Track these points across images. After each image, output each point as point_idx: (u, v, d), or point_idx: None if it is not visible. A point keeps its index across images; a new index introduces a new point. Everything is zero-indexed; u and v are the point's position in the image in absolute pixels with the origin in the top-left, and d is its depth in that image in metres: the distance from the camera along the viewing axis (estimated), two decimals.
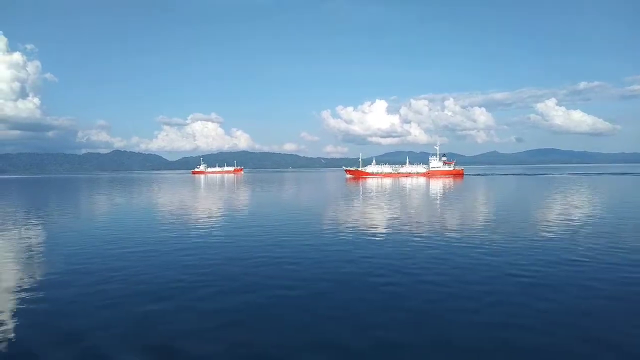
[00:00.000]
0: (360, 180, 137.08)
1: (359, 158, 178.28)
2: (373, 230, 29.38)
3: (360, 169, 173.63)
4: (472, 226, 30.68)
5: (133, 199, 68.12)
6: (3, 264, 21.00)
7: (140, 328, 12.25)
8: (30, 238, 28.91)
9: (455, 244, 23.66)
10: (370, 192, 72.12)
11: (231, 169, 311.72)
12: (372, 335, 11.51)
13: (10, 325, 12.58)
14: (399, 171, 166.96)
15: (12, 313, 13.65)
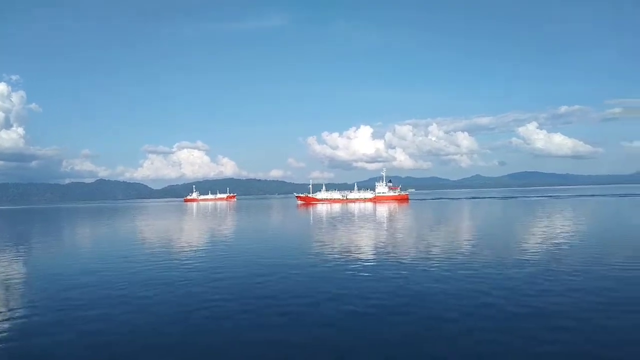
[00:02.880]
0: (311, 206, 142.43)
1: (345, 183, 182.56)
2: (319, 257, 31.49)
3: (310, 195, 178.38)
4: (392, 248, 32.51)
5: (142, 231, 69.30)
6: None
7: None
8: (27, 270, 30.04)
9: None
10: (317, 219, 73.60)
11: (224, 196, 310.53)
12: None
13: None
14: (348, 197, 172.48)
15: None
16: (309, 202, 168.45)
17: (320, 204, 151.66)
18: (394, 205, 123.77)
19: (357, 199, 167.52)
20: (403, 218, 64.95)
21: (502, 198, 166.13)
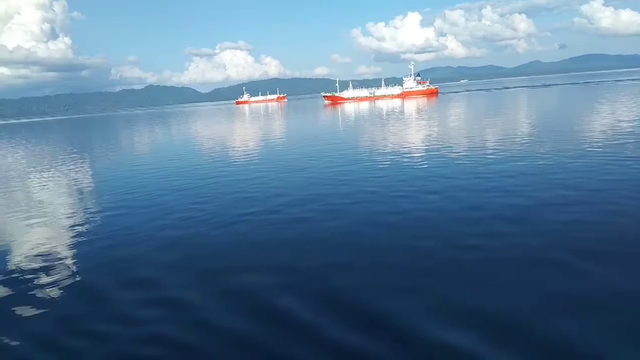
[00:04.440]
0: (338, 105, 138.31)
1: (394, 77, 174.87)
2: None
3: (337, 94, 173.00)
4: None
5: (225, 133, 68.99)
6: (65, 202, 21.29)
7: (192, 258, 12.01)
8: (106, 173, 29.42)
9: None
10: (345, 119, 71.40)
11: (274, 97, 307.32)
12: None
13: (69, 255, 12.81)
14: (375, 94, 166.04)
15: (69, 245, 13.86)
16: (335, 101, 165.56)
17: (348, 103, 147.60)
18: (422, 100, 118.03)
19: (385, 96, 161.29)
20: (424, 116, 60.61)
21: (556, 85, 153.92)
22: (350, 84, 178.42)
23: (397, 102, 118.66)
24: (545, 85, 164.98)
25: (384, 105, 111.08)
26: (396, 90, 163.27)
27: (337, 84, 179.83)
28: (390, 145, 33.07)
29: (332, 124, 64.87)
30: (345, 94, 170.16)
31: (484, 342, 7.20)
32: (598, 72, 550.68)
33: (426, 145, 31.24)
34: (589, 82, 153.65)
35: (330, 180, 21.26)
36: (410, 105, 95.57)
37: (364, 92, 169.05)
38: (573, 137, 29.12)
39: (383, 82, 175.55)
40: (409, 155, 26.98)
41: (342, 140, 39.90)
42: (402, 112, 76.39)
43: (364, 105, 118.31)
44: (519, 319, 7.83)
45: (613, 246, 10.78)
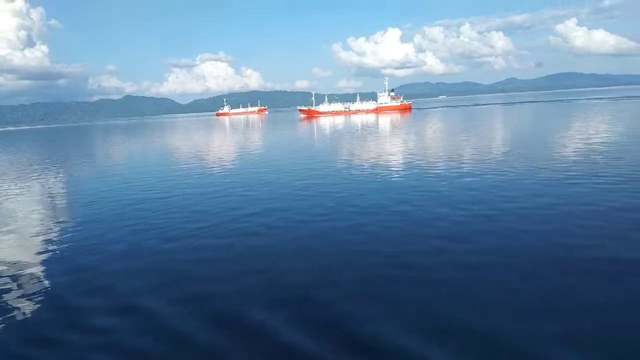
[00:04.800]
0: (314, 119, 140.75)
1: (374, 92, 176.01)
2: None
3: (313, 108, 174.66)
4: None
5: (205, 147, 68.47)
6: (30, 211, 21.26)
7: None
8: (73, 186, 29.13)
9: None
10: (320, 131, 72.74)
11: (255, 109, 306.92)
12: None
13: (33, 264, 12.73)
14: (350, 108, 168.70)
15: (34, 254, 13.83)
16: (311, 115, 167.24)
17: (323, 117, 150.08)
18: (396, 116, 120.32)
19: (360, 110, 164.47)
20: (395, 132, 62.16)
21: (530, 102, 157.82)
22: (326, 98, 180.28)
23: (371, 117, 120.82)
24: (519, 102, 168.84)
25: (358, 119, 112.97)
26: (371, 105, 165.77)
27: (312, 98, 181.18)
28: (357, 159, 33.50)
29: (307, 138, 65.36)
30: (321, 108, 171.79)
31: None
32: (572, 90, 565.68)
33: (391, 161, 31.76)
34: (562, 100, 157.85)
35: (290, 195, 21.49)
36: (384, 121, 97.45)
37: (339, 107, 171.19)
38: (532, 154, 29.90)
39: (358, 97, 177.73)
40: (372, 170, 27.39)
41: (311, 155, 40.22)
42: (375, 127, 77.52)
43: (339, 120, 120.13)
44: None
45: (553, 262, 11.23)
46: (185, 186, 25.96)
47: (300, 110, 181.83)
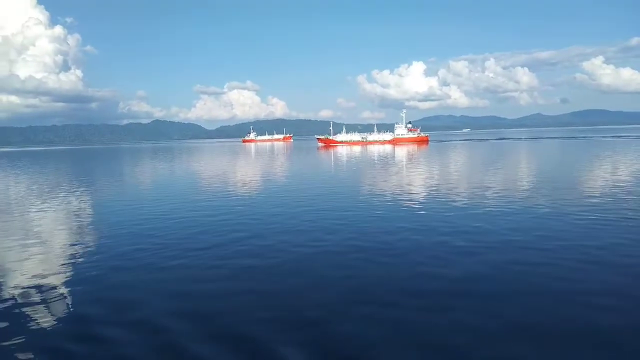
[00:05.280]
0: (331, 148, 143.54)
1: (395, 123, 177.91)
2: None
3: (330, 137, 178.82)
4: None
5: (233, 172, 70.09)
6: (57, 231, 22.19)
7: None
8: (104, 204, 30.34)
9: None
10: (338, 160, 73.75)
11: (280, 137, 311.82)
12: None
13: (63, 290, 13.27)
14: (367, 139, 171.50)
15: (65, 278, 14.38)
16: (328, 144, 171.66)
17: (340, 146, 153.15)
18: (412, 147, 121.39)
19: (376, 141, 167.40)
20: (415, 162, 63.21)
21: (558, 138, 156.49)
22: (344, 128, 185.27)
23: (387, 148, 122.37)
24: (546, 138, 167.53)
25: (375, 150, 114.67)
26: (387, 136, 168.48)
27: (330, 127, 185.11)
28: (366, 190, 33.89)
29: (324, 167, 66.13)
30: (338, 137, 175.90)
31: None
32: (599, 127, 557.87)
33: (401, 192, 31.94)
34: (588, 137, 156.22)
35: (294, 227, 21.62)
36: (400, 152, 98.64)
37: (356, 137, 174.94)
38: (549, 191, 29.89)
39: (375, 128, 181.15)
40: (379, 202, 27.82)
41: (327, 184, 40.62)
42: (392, 157, 79.35)
43: (356, 149, 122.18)
44: None
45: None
46: (219, 209, 26.88)
47: (318, 139, 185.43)
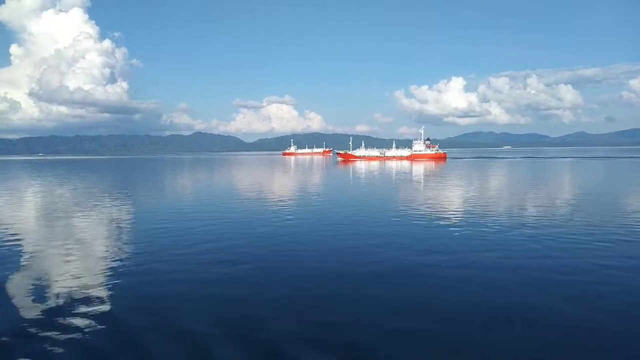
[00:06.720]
0: (350, 163, 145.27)
1: (435, 139, 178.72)
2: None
3: (349, 152, 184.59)
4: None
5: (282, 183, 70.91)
6: (100, 238, 22.36)
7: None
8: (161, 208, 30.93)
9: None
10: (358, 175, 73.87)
11: (320, 150, 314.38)
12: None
13: (101, 289, 13.35)
14: (386, 154, 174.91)
15: (106, 286, 14.37)
16: (347, 158, 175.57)
17: (359, 161, 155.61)
18: (429, 164, 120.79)
19: (394, 157, 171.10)
20: (430, 179, 62.45)
21: (602, 157, 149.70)
22: (363, 144, 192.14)
23: (405, 164, 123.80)
24: (591, 157, 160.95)
25: (392, 165, 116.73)
26: (405, 152, 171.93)
27: (350, 142, 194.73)
28: (374, 207, 33.15)
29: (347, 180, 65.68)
30: (357, 152, 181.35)
31: None
32: None
33: (413, 209, 31.00)
34: (634, 157, 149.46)
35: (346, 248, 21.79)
36: (417, 168, 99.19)
37: (374, 152, 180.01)
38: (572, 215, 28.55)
39: (394, 144, 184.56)
40: (384, 219, 27.19)
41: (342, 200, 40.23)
42: (409, 173, 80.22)
43: (374, 164, 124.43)
44: None
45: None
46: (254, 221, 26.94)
47: (337, 153, 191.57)
